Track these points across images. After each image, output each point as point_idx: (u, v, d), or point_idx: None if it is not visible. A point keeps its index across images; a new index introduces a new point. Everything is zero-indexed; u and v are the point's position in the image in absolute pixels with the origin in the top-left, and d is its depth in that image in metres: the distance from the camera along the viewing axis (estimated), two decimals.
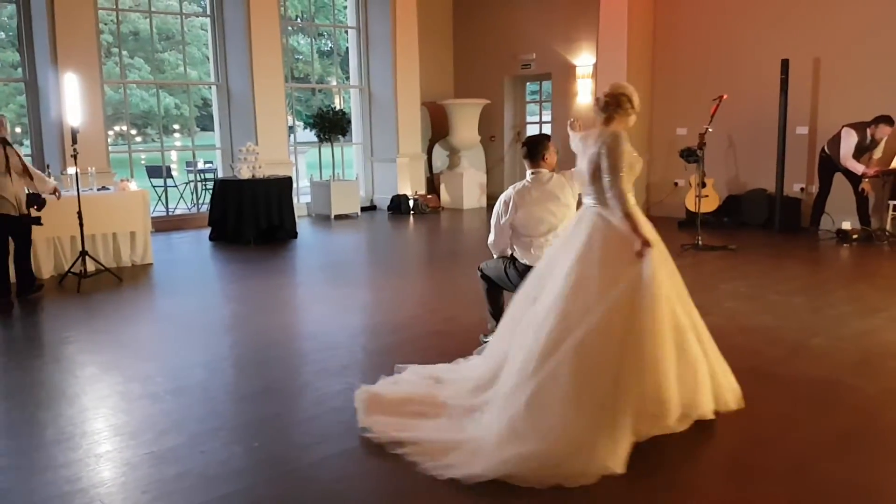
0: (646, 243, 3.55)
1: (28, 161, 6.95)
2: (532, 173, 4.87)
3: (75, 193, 7.37)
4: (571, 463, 3.19)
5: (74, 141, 7.33)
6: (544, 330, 3.56)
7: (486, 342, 5.13)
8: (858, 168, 9.00)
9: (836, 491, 3.11)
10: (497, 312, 5.08)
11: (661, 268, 3.60)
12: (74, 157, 7.32)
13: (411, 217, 12.60)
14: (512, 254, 4.94)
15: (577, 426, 3.30)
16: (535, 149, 4.86)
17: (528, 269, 4.79)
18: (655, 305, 3.48)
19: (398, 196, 13.08)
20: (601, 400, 3.34)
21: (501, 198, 4.92)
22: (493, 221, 4.98)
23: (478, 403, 3.73)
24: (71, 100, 7.55)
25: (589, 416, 3.31)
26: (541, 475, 3.16)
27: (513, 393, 3.52)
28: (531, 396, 3.42)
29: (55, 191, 7.17)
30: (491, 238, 5.04)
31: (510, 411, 3.45)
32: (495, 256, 5.08)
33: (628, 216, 3.61)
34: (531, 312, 3.79)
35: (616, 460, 3.23)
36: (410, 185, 13.42)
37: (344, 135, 12.70)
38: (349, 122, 12.85)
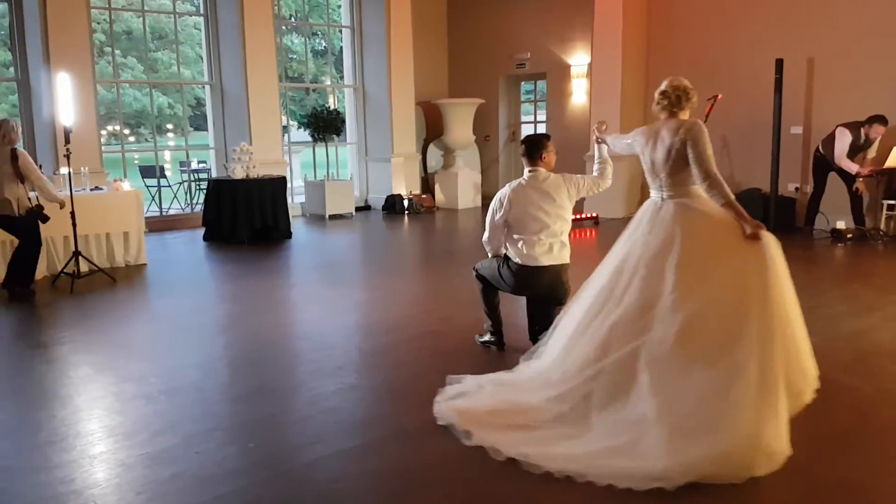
0: (758, 225, 3.58)
1: (36, 168, 6.95)
2: (529, 171, 4.86)
3: (68, 193, 7.33)
4: (744, 453, 3.15)
5: (67, 141, 7.30)
6: (673, 327, 3.47)
7: (480, 342, 5.13)
8: (853, 167, 9.02)
9: (833, 490, 3.11)
10: (492, 312, 5.07)
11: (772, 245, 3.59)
12: (67, 156, 7.29)
13: (406, 217, 12.58)
14: (505, 253, 4.93)
15: (744, 415, 3.22)
16: (533, 147, 4.86)
17: (521, 268, 4.79)
18: (785, 283, 3.56)
19: (393, 196, 13.07)
20: (757, 384, 3.26)
21: (497, 196, 4.91)
22: (488, 218, 4.97)
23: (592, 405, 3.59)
24: (64, 99, 7.52)
25: (751, 402, 3.24)
26: (725, 471, 3.12)
27: (665, 392, 3.39)
28: (697, 391, 3.33)
29: (62, 204, 7.17)
30: (485, 236, 5.03)
31: (670, 412, 3.32)
32: (490, 255, 5.07)
33: (732, 202, 3.67)
34: (626, 310, 3.68)
35: (781, 442, 3.20)
36: (405, 185, 13.40)
37: (338, 134, 12.69)
38: (343, 121, 12.83)
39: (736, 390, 3.25)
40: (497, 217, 4.85)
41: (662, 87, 3.96)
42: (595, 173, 5.01)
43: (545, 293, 4.84)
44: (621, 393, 3.53)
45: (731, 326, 3.39)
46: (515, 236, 4.82)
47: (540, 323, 4.86)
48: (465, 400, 3.93)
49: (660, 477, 3.10)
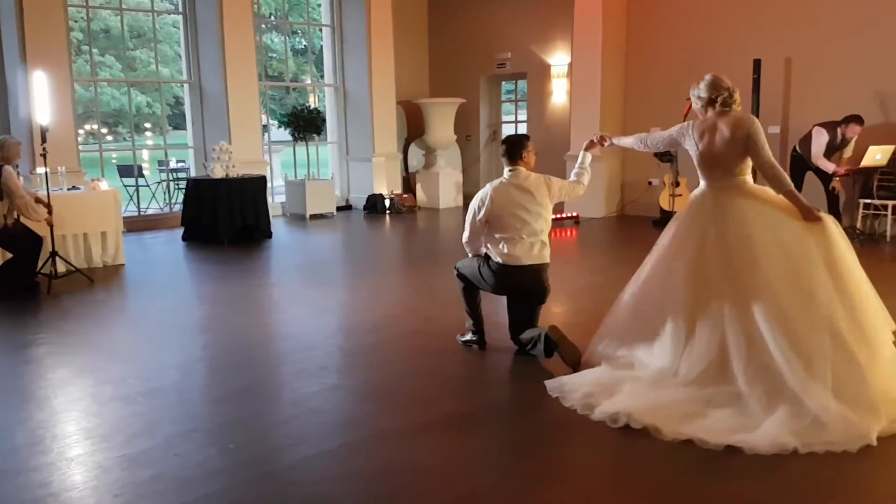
0: (815, 209, 3.96)
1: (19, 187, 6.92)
2: (510, 170, 4.87)
3: (45, 193, 7.25)
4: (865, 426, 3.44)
5: (44, 140, 7.21)
6: (802, 311, 3.76)
7: (462, 341, 5.13)
8: (829, 167, 9.11)
9: (808, 486, 3.13)
10: (474, 311, 5.07)
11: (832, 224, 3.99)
12: (44, 156, 7.20)
13: (387, 217, 12.56)
14: (486, 252, 4.93)
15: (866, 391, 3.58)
16: (514, 147, 4.86)
17: (502, 267, 4.79)
18: (851, 258, 3.97)
19: (374, 195, 13.04)
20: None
21: (478, 195, 4.90)
22: (468, 218, 4.96)
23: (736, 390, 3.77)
24: (40, 98, 7.43)
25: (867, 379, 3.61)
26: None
27: (802, 373, 3.63)
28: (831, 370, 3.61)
29: (48, 222, 7.19)
30: (465, 236, 5.02)
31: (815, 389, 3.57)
32: (469, 255, 5.07)
33: (793, 189, 4.04)
34: (728, 296, 3.93)
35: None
36: (386, 185, 13.38)
37: (319, 134, 12.64)
38: (324, 120, 12.78)
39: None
40: (478, 217, 4.85)
41: (717, 83, 4.28)
42: (573, 177, 5.06)
43: (526, 292, 4.85)
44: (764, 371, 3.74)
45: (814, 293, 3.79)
46: (497, 235, 4.81)
47: (520, 322, 4.87)
48: (621, 401, 3.88)
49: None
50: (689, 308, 4.04)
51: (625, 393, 3.97)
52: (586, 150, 5.02)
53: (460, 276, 5.08)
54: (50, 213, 7.20)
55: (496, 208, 4.77)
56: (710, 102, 4.27)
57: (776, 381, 3.67)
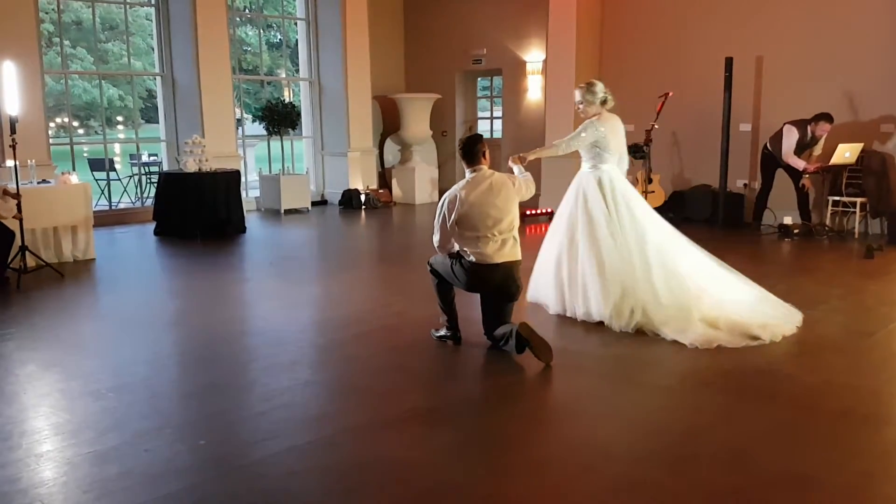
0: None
1: None
2: (472, 171, 4.90)
3: (14, 185, 7.16)
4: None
5: (13, 131, 7.12)
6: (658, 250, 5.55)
7: (436, 336, 5.14)
8: (799, 164, 9.23)
9: (775, 479, 3.19)
10: (448, 307, 5.09)
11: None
12: (13, 147, 7.10)
13: (363, 212, 12.54)
14: (458, 251, 4.94)
15: None
16: (472, 148, 4.91)
17: (474, 265, 4.81)
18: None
19: (349, 191, 13.00)
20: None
21: (445, 198, 4.90)
22: (437, 222, 4.95)
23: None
24: (9, 88, 7.31)
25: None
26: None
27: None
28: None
29: (15, 216, 7.12)
30: (436, 239, 5.01)
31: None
32: (440, 255, 5.08)
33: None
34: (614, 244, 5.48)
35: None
36: (362, 180, 13.35)
37: (294, 128, 12.58)
38: (299, 115, 12.71)
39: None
40: (449, 220, 4.84)
41: (601, 87, 5.70)
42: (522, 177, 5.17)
43: (498, 290, 4.87)
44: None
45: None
46: (468, 234, 4.82)
47: (493, 318, 4.90)
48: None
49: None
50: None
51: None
52: (513, 162, 5.43)
53: (433, 272, 5.10)
54: (19, 208, 7.12)
55: (467, 208, 4.78)
56: (604, 102, 5.71)
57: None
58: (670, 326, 5.13)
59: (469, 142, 4.96)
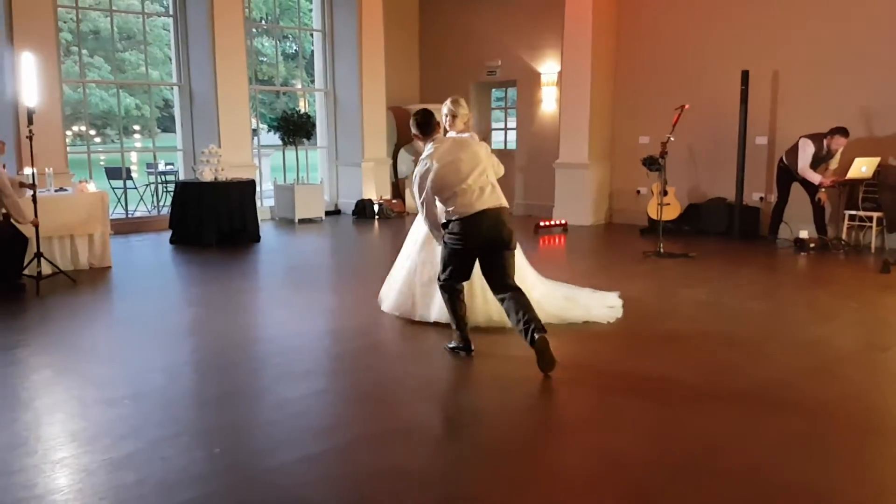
0: None
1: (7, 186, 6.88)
2: (431, 142, 5.03)
3: (31, 193, 7.23)
4: None
5: (30, 122, 7.13)
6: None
7: (449, 348, 5.13)
8: (815, 178, 9.20)
9: (790, 493, 3.16)
10: (459, 321, 5.08)
11: None
12: (30, 138, 7.13)
13: (376, 222, 12.56)
14: (444, 222, 4.95)
15: None
16: (430, 121, 5.07)
17: (461, 222, 4.83)
18: None
19: (363, 201, 13.04)
20: None
21: (417, 171, 5.01)
22: (419, 200, 5.02)
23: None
24: (27, 79, 7.31)
25: None
26: None
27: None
28: None
29: (33, 223, 7.19)
30: (422, 212, 5.07)
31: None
32: (429, 228, 5.13)
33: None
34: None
35: None
36: (375, 190, 13.39)
37: (308, 138, 12.64)
38: (314, 125, 12.78)
39: None
40: (427, 186, 4.90)
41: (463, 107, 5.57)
42: None
43: (490, 239, 4.86)
44: None
45: None
46: (446, 194, 4.87)
47: (497, 278, 4.92)
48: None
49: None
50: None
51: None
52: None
53: (443, 287, 5.08)
54: (36, 208, 7.18)
55: (436, 170, 4.86)
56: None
57: None
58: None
59: (425, 114, 5.09)
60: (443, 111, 5.58)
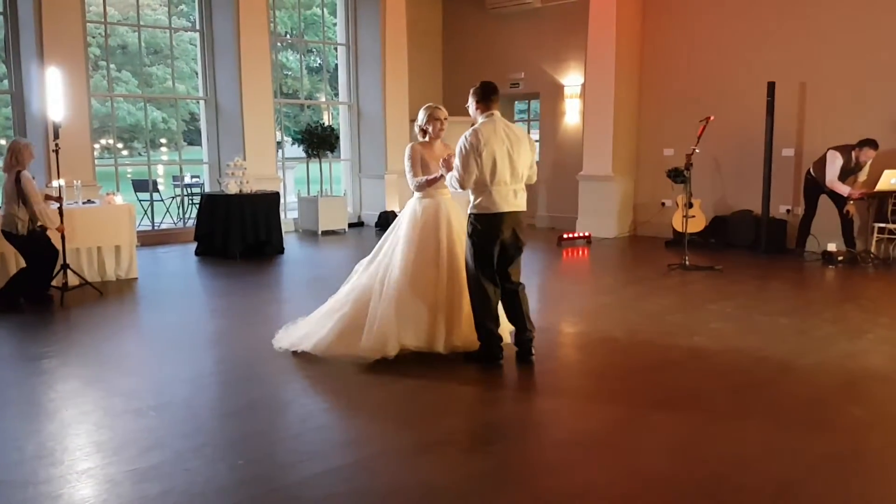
0: None
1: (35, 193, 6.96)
2: (486, 116, 4.94)
3: (58, 206, 7.31)
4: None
5: (56, 136, 7.24)
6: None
7: (474, 358, 5.09)
8: (844, 190, 9.08)
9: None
10: (490, 327, 5.05)
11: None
12: (56, 151, 7.21)
13: None
14: (469, 213, 4.96)
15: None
16: (491, 90, 4.96)
17: (484, 220, 4.83)
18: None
19: (386, 212, 13.07)
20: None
21: (466, 137, 4.86)
22: (460, 163, 4.85)
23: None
24: (54, 94, 7.41)
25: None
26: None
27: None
28: None
29: (59, 229, 7.24)
30: (458, 174, 4.87)
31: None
32: (456, 187, 4.96)
33: None
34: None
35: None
36: (398, 202, 13.41)
37: (332, 151, 12.71)
38: (337, 138, 12.85)
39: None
40: (480, 157, 4.78)
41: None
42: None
43: (507, 240, 4.92)
44: None
45: None
46: (483, 185, 4.83)
47: (504, 272, 4.96)
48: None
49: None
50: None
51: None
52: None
53: (473, 288, 5.03)
54: (61, 213, 7.25)
55: (485, 153, 4.78)
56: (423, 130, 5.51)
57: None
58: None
59: (487, 83, 4.98)
60: (440, 116, 5.46)
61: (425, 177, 5.25)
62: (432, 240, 5.24)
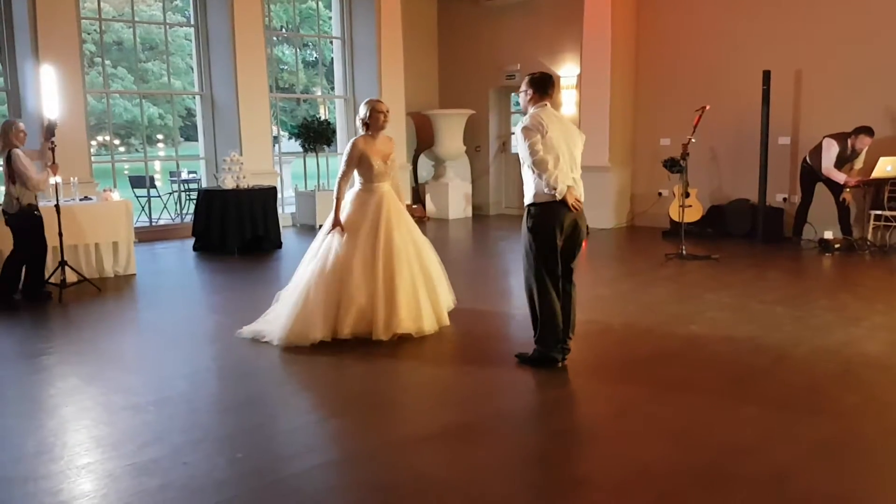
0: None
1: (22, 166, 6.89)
2: (541, 105, 4.77)
3: (55, 203, 7.31)
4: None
5: (52, 134, 7.22)
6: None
7: (516, 357, 5.02)
8: (840, 178, 9.09)
9: (817, 501, 3.12)
10: (550, 318, 4.82)
11: None
12: (52, 150, 7.21)
13: None
14: (527, 206, 4.78)
15: None
16: (547, 81, 4.84)
17: (550, 206, 4.63)
18: None
19: None
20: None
21: (526, 126, 4.65)
22: (529, 149, 4.61)
23: None
24: (49, 91, 7.39)
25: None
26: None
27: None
28: None
29: (42, 182, 7.08)
30: (540, 154, 4.59)
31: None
32: (545, 185, 4.61)
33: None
34: None
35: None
36: None
37: (329, 145, 12.69)
38: (334, 132, 12.84)
39: None
40: (544, 139, 4.59)
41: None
42: None
43: (569, 228, 4.74)
44: None
45: None
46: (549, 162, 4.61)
47: (565, 265, 4.81)
48: None
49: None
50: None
51: None
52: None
53: (532, 285, 4.78)
54: (59, 224, 7.23)
55: (551, 131, 4.63)
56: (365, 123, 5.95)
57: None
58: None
59: (543, 74, 4.90)
60: (382, 109, 5.99)
61: (336, 204, 5.94)
62: (371, 228, 5.64)
